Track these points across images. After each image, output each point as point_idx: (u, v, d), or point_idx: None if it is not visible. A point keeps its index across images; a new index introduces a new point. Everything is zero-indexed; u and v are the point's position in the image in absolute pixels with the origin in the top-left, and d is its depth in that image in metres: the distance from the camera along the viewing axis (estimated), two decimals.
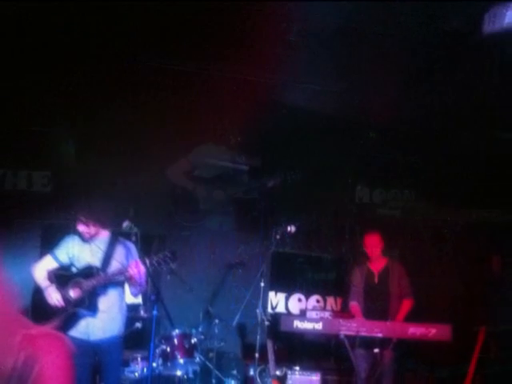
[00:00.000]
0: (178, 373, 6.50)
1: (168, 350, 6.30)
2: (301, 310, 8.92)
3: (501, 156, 6.84)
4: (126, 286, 5.38)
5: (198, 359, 6.53)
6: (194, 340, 6.48)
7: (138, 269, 5.00)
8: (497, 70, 4.60)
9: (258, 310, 6.58)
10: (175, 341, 6.34)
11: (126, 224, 5.08)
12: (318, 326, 6.30)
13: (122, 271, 5.10)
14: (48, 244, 5.81)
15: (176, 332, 6.35)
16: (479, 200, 8.25)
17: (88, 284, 5.07)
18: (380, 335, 6.18)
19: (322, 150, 7.38)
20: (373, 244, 6.90)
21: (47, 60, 6.05)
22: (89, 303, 5.09)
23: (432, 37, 4.13)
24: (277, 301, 8.96)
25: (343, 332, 6.20)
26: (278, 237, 6.51)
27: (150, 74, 6.38)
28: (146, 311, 6.74)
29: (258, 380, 6.59)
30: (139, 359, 6.33)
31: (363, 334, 6.21)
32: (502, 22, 3.63)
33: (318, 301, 9.14)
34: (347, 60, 4.73)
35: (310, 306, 9.01)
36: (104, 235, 5.33)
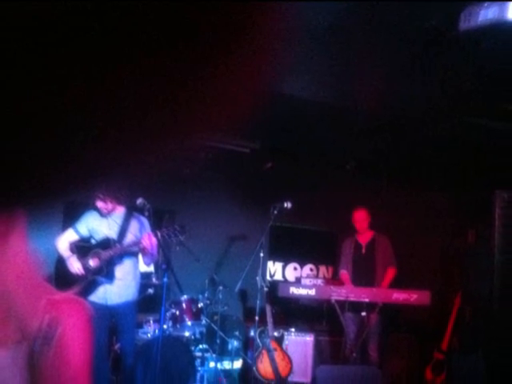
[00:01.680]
0: (186, 334, 6.58)
1: (177, 313, 6.35)
2: (296, 278, 8.98)
3: (475, 141, 6.85)
4: (140, 256, 5.44)
5: (204, 322, 6.59)
6: (200, 304, 6.54)
7: (150, 241, 5.06)
8: (471, 63, 4.61)
9: (257, 278, 6.65)
10: (183, 305, 6.39)
11: (139, 200, 5.11)
12: (312, 292, 6.37)
13: (136, 243, 5.16)
14: (69, 219, 5.83)
15: (184, 297, 6.40)
16: (457, 180, 8.27)
17: (106, 254, 5.13)
18: (367, 300, 6.25)
19: (316, 134, 7.37)
20: (360, 219, 6.93)
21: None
22: (106, 271, 5.15)
23: (414, 34, 4.14)
24: (275, 269, 9.02)
25: (334, 297, 6.27)
26: (275, 212, 6.54)
27: (160, 66, 6.36)
28: (157, 279, 6.78)
29: (258, 340, 6.66)
30: (151, 322, 6.38)
31: (352, 299, 6.28)
32: (476, 20, 3.65)
33: (311, 269, 9.20)
34: (338, 54, 4.73)
35: (304, 274, 9.07)
36: (120, 210, 5.37)
